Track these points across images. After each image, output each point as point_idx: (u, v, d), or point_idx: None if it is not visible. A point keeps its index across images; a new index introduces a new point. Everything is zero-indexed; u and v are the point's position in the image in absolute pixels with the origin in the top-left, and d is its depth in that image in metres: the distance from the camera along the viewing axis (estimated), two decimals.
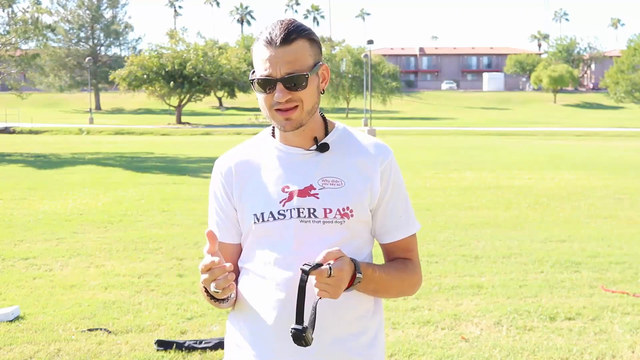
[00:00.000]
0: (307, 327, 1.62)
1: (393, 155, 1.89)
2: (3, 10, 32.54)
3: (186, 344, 4.67)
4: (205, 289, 1.77)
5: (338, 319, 1.80)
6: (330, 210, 1.80)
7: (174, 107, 49.73)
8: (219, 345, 4.61)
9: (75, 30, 72.39)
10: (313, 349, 1.72)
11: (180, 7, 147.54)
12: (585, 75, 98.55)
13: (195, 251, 7.68)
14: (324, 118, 1.90)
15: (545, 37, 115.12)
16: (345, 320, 1.81)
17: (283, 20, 1.78)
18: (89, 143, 30.27)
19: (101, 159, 21.47)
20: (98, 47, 73.55)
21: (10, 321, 5.21)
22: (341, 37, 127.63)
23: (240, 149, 1.95)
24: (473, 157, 21.84)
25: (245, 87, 49.91)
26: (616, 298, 5.91)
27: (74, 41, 72.19)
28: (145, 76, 45.86)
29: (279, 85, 1.74)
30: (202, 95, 50.90)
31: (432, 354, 4.61)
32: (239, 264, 1.92)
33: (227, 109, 65.89)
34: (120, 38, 74.62)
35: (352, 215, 1.81)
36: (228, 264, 1.67)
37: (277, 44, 1.73)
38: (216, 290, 1.66)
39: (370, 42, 44.64)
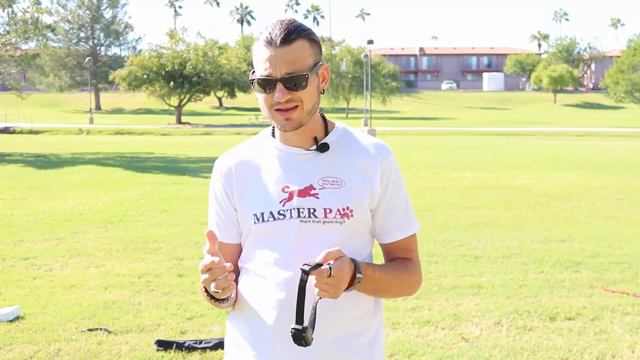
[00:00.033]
0: (307, 327, 1.62)
1: (393, 155, 1.89)
2: (3, 10, 32.57)
3: (186, 344, 4.67)
4: (205, 289, 1.77)
5: (338, 319, 1.80)
6: (330, 210, 1.80)
7: (174, 107, 49.73)
8: (219, 345, 4.61)
9: (75, 30, 72.40)
10: (313, 349, 1.72)
11: (180, 7, 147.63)
12: (585, 75, 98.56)
13: (195, 251, 7.68)
14: (324, 118, 1.90)
15: (545, 37, 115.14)
16: (345, 320, 1.81)
17: (283, 20, 1.78)
18: (89, 143, 30.27)
19: (101, 159, 21.47)
20: (98, 47, 73.56)
21: (10, 321, 5.21)
22: (341, 37, 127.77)
23: (240, 149, 1.95)
24: (473, 157, 21.84)
25: (245, 87, 49.91)
26: (616, 298, 5.91)
27: (74, 41, 72.20)
28: (145, 76, 45.86)
29: (279, 85, 1.74)
30: (202, 95, 50.91)
31: (432, 354, 4.61)
32: (239, 264, 1.92)
33: (227, 109, 65.90)
34: (120, 38, 74.64)
35: (352, 215, 1.81)
36: (228, 264, 1.67)
37: (277, 44, 1.73)
38: (216, 290, 1.66)
39: (370, 42, 44.65)
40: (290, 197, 1.81)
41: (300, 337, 1.61)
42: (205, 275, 1.67)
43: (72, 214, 10.30)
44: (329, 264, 1.65)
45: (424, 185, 14.13)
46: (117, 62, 65.49)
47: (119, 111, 69.25)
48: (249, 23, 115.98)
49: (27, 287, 6.25)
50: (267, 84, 1.75)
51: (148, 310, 5.51)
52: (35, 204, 11.42)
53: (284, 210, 1.81)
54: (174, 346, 4.65)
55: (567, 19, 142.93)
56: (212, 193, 1.93)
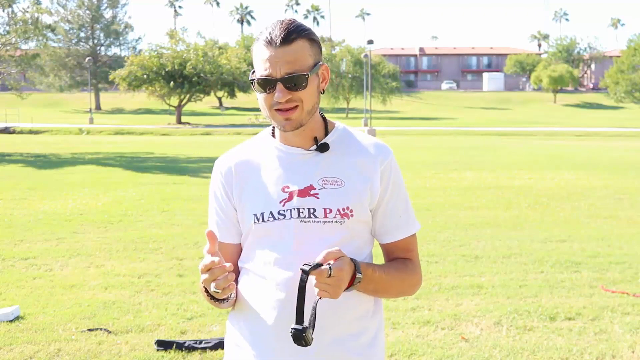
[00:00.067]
0: (307, 327, 1.62)
1: (393, 155, 1.89)
2: (3, 10, 32.57)
3: (186, 344, 4.67)
4: (205, 289, 1.77)
5: (338, 319, 1.80)
6: (330, 210, 1.80)
7: (174, 107, 49.73)
8: (219, 345, 4.61)
9: (75, 30, 72.40)
10: (313, 349, 1.72)
11: (180, 7, 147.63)
12: (585, 75, 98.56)
13: (195, 251, 7.68)
14: (324, 118, 1.90)
15: (545, 37, 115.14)
16: (345, 320, 1.81)
17: (283, 20, 1.78)
18: (89, 143, 30.27)
19: (101, 159, 21.47)
20: (98, 47, 73.57)
21: (10, 321, 5.21)
22: (341, 37, 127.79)
23: (240, 149, 1.95)
24: (473, 157, 21.84)
25: (245, 87, 49.91)
26: (616, 298, 5.91)
27: (74, 41, 72.20)
28: (145, 76, 45.86)
29: (279, 85, 1.74)
30: (202, 95, 50.92)
31: (432, 354, 4.61)
32: (239, 264, 1.92)
33: (227, 109, 65.89)
34: (120, 38, 74.64)
35: (352, 215, 1.81)
36: (228, 264, 1.67)
37: (277, 44, 1.73)
38: (216, 290, 1.66)
39: (370, 42, 44.64)
40: (290, 197, 1.81)
41: (300, 337, 1.61)
42: (205, 275, 1.67)
43: (72, 214, 10.30)
44: (329, 264, 1.65)
45: (424, 185, 14.13)
46: (117, 62, 65.49)
47: (119, 111, 69.25)
48: (249, 23, 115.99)
49: (27, 287, 6.25)
50: (267, 84, 1.75)
51: (148, 310, 5.51)
52: (35, 204, 11.42)
53: (284, 210, 1.81)
54: (174, 346, 4.65)
55: (567, 19, 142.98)
56: (212, 193, 1.93)
